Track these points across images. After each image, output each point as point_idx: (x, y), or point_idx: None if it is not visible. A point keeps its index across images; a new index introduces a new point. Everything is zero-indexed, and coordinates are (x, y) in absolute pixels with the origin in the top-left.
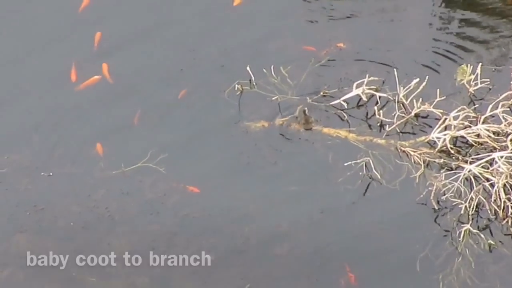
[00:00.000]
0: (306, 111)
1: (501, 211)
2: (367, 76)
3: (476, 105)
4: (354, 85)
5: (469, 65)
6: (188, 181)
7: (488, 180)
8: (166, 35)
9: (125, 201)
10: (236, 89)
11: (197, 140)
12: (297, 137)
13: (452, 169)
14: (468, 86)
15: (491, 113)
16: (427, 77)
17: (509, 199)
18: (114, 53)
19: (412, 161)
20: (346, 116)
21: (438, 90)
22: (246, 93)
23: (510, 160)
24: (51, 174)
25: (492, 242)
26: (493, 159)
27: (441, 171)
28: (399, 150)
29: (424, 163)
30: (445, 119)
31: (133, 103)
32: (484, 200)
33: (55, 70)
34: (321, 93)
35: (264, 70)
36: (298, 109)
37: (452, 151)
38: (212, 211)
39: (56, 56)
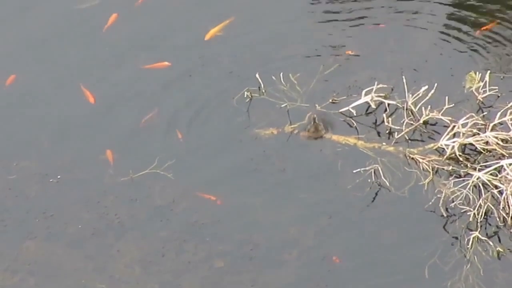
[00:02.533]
0: (316, 119)
1: (509, 218)
2: (376, 83)
3: (485, 113)
4: (363, 92)
5: (477, 72)
6: (197, 188)
7: (496, 187)
8: (175, 40)
9: (135, 207)
10: (245, 96)
11: (206, 146)
12: (306, 144)
13: (460, 176)
14: (476, 94)
15: (500, 120)
16: (435, 84)
17: None
18: (122, 60)
19: (421, 168)
20: (355, 123)
21: (446, 97)
22: (255, 100)
23: None
24: (59, 177)
25: (500, 249)
26: (502, 166)
27: (450, 178)
28: (408, 157)
29: (432, 170)
30: (454, 126)
31: (142, 110)
32: (493, 207)
33: (66, 78)
34: (330, 100)
35: (273, 77)
36: (307, 116)
37: (461, 159)
38: (221, 218)
39: (67, 64)
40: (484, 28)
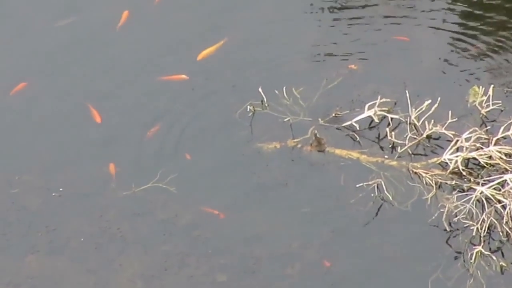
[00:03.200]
0: (317, 134)
1: None
2: (379, 97)
3: (488, 127)
4: (366, 106)
5: (481, 86)
6: (199, 202)
7: (500, 202)
8: (178, 54)
9: (137, 221)
10: (248, 110)
11: (209, 160)
12: (309, 158)
13: (464, 191)
14: (480, 108)
15: (503, 134)
16: (439, 98)
17: None
18: (123, 72)
19: (424, 182)
20: (358, 137)
21: (450, 111)
22: (258, 114)
23: None
24: (61, 190)
25: (504, 264)
26: (505, 181)
27: (453, 192)
28: (411, 172)
29: (436, 184)
30: (457, 140)
31: (144, 122)
32: (496, 222)
33: (70, 92)
34: (333, 115)
35: (276, 91)
36: (310, 131)
37: (464, 173)
38: (223, 232)
39: (72, 78)
40: (476, 47)
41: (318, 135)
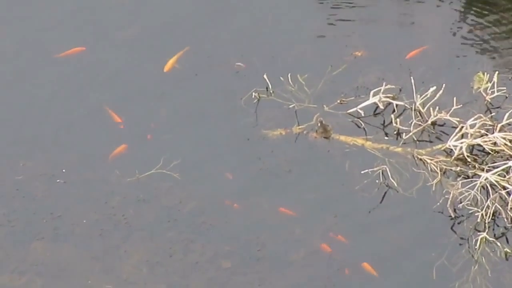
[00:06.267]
0: (323, 121)
1: None
2: (384, 84)
3: (493, 113)
4: (371, 93)
5: (485, 73)
6: (203, 189)
7: (504, 188)
8: (184, 40)
9: (142, 208)
10: (253, 97)
11: (214, 147)
12: (314, 145)
13: (468, 177)
14: (484, 94)
15: (508, 121)
16: (443, 85)
17: None
18: (132, 60)
19: (429, 169)
20: (363, 124)
21: (454, 98)
22: (263, 101)
23: None
24: (64, 171)
25: (508, 250)
26: (510, 167)
27: (458, 179)
28: (416, 158)
29: (440, 171)
30: (462, 127)
31: (148, 110)
32: (501, 208)
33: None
34: (338, 101)
35: (281, 78)
36: (315, 117)
37: (469, 159)
38: (228, 218)
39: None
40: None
41: (323, 122)
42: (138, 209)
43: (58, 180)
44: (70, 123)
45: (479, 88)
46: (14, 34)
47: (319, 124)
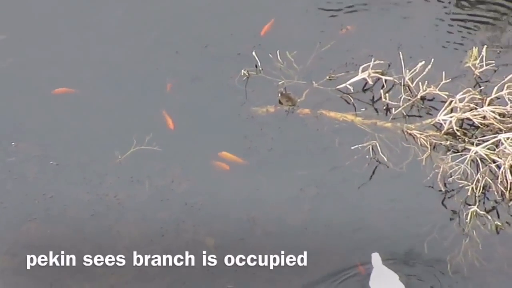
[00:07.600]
0: (283, 91)
1: (507, 192)
2: (372, 59)
3: (482, 87)
4: (360, 68)
5: (473, 47)
6: (191, 165)
7: (494, 161)
8: (176, 21)
9: (134, 188)
10: (242, 74)
11: (202, 124)
12: (304, 122)
13: (458, 151)
14: (473, 68)
15: (497, 95)
16: (432, 59)
17: None
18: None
19: (419, 143)
20: (352, 99)
21: (443, 72)
22: (252, 78)
23: None
24: (56, 155)
25: (499, 224)
26: (499, 140)
27: (448, 153)
28: (406, 133)
29: (430, 145)
30: (451, 101)
31: (141, 88)
32: (491, 181)
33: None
34: (327, 77)
35: (270, 55)
36: (278, 92)
37: (458, 133)
38: (218, 197)
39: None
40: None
41: (285, 91)
42: (130, 190)
43: (51, 162)
44: (63, 105)
45: (467, 62)
46: None
47: (279, 95)
